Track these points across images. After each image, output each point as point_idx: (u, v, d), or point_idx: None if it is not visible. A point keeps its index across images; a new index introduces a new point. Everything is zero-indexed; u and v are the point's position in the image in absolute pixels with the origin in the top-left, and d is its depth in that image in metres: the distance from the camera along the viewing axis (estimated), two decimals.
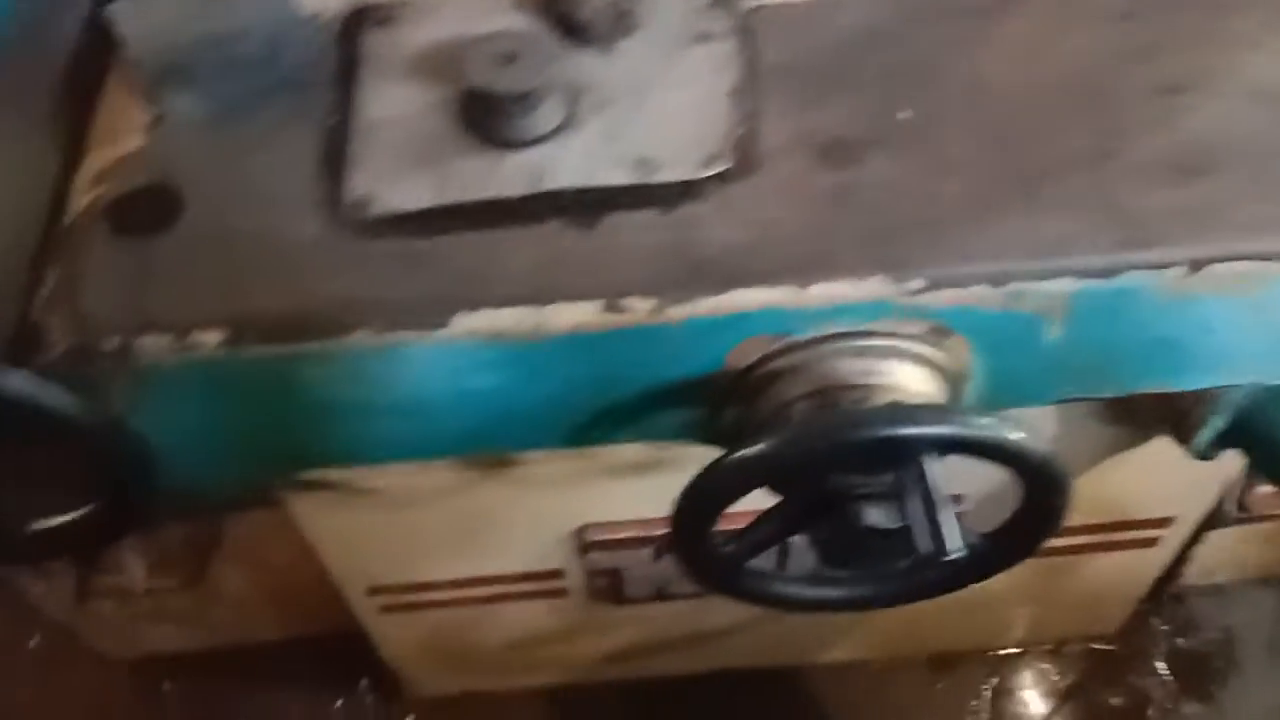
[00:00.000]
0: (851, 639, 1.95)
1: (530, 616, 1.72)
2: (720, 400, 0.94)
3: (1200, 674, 1.98)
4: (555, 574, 1.59)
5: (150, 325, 0.83)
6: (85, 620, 1.90)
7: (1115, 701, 1.96)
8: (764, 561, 0.95)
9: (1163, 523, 1.61)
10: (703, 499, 0.87)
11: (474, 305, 0.84)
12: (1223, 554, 1.75)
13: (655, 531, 1.50)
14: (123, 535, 0.84)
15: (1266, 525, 1.64)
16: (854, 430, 0.75)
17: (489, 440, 0.99)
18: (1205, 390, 1.12)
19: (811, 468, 0.84)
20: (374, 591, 1.60)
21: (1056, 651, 2.01)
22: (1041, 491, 0.84)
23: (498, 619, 1.72)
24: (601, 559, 1.51)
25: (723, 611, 1.76)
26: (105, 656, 2.02)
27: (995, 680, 1.99)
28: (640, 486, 1.39)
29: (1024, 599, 1.86)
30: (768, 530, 0.91)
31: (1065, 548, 1.66)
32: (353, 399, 0.89)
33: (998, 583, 1.79)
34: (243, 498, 1.20)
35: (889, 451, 0.78)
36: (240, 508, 1.42)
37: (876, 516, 0.84)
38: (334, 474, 1.30)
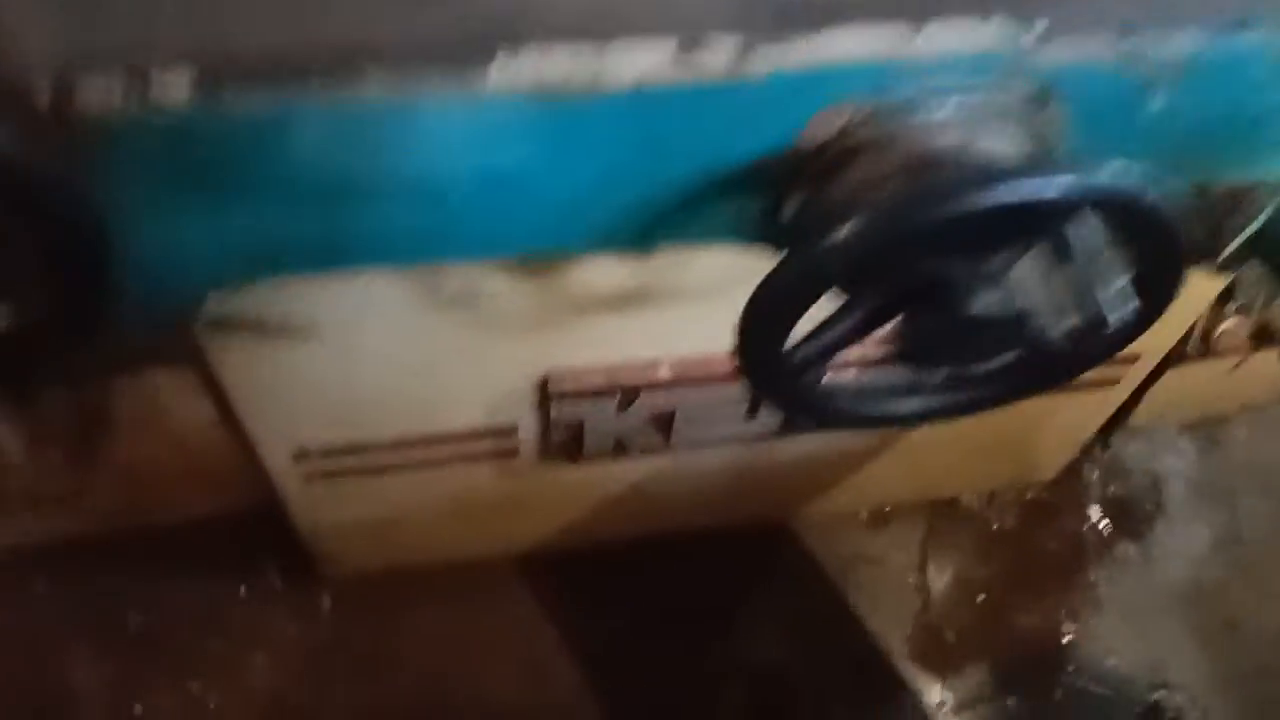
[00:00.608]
0: (795, 497, 1.89)
1: (473, 481, 1.57)
2: (786, 185, 0.80)
3: (1131, 517, 2.01)
4: (508, 431, 1.45)
5: (94, 63, 0.62)
6: None
7: (1051, 546, 1.97)
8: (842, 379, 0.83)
9: (1131, 359, 1.58)
10: (788, 294, 0.73)
11: (517, 41, 0.67)
12: (1173, 395, 1.74)
13: (624, 380, 1.38)
14: (60, 354, 0.65)
15: (1225, 362, 1.64)
16: (1014, 186, 0.63)
17: (506, 238, 0.83)
18: (1245, 193, 1.06)
19: (920, 245, 0.72)
20: (300, 456, 1.42)
21: (990, 501, 2.01)
22: (1164, 259, 0.75)
23: (436, 486, 1.56)
24: (565, 411, 1.37)
25: (673, 472, 1.66)
26: None
27: (932, 531, 1.97)
28: (613, 326, 1.25)
29: (964, 448, 1.82)
30: (844, 329, 0.78)
31: None
32: (354, 171, 0.71)
33: (940, 431, 1.75)
34: (184, 323, 0.99)
35: (1033, 216, 0.67)
36: (161, 355, 1.20)
37: (989, 301, 0.73)
38: (269, 306, 1.11)
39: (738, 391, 1.40)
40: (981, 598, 1.91)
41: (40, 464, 1.53)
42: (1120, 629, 1.89)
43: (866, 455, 1.77)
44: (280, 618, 1.82)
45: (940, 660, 1.84)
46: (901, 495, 1.95)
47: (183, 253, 0.72)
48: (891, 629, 1.87)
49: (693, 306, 1.24)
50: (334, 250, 0.79)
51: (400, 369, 1.27)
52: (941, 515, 1.98)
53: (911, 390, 0.85)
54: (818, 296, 0.74)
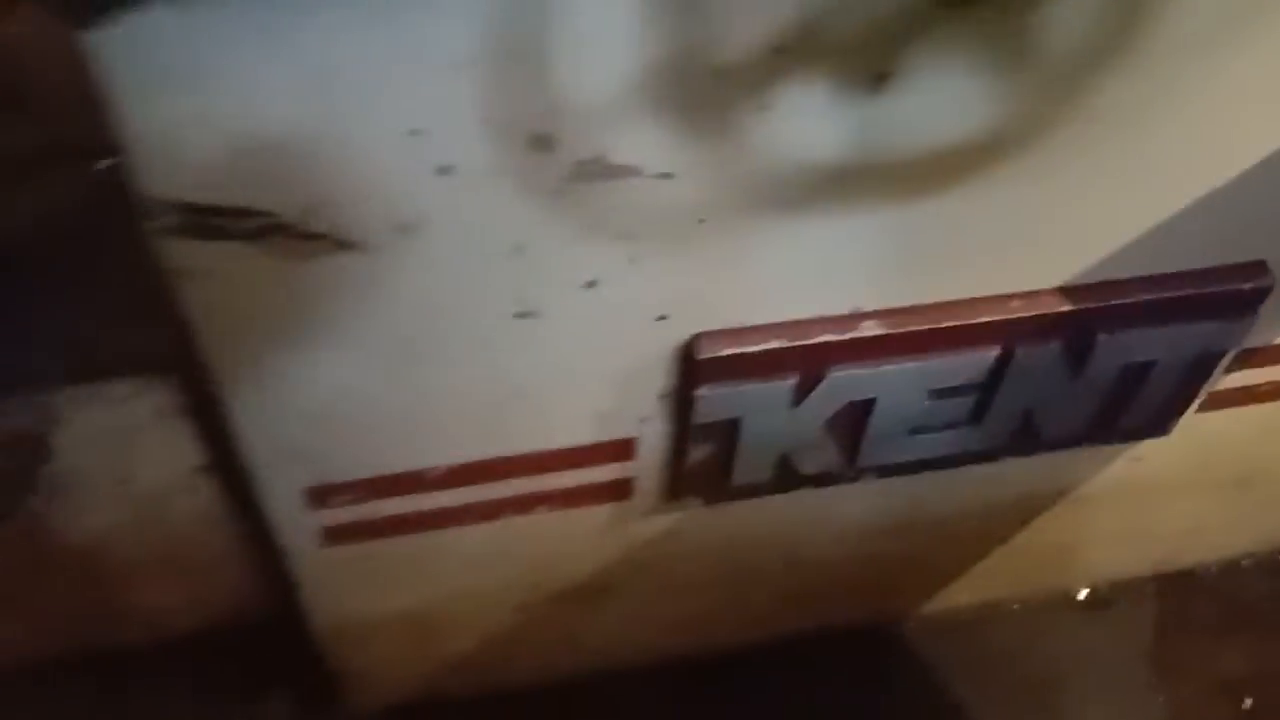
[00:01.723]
0: (989, 575, 1.39)
1: (558, 542, 1.09)
2: None
3: None
4: (622, 447, 0.98)
5: None
6: None
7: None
8: None
9: None
10: None
11: None
12: None
13: (808, 340, 0.91)
14: None
15: None
16: None
17: None
18: None
19: None
20: (317, 497, 0.95)
21: (1234, 570, 1.50)
22: None
23: (505, 550, 1.08)
24: (715, 401, 0.91)
25: (832, 525, 1.18)
26: None
27: (1165, 614, 1.46)
28: (800, 246, 0.81)
29: (1200, 495, 1.35)
30: None
31: None
32: None
33: (1169, 474, 1.28)
34: None
35: None
36: None
37: None
38: (287, 191, 0.68)
39: (977, 365, 0.94)
40: (1248, 704, 1.39)
41: None
42: None
43: (1082, 510, 1.29)
44: None
45: None
46: (1121, 569, 1.46)
47: None
48: None
49: (928, 205, 0.81)
50: None
51: (472, 329, 0.82)
52: (1175, 592, 1.48)
53: None
54: None
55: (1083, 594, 1.45)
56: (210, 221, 0.68)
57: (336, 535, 1.00)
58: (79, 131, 0.72)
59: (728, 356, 0.87)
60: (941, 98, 0.72)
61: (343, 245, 0.72)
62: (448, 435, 0.92)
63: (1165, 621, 1.44)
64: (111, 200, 0.73)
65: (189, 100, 0.61)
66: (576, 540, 1.10)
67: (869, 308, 0.89)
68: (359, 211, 0.70)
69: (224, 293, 0.73)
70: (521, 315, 0.81)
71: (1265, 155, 0.84)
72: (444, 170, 0.68)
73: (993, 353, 0.93)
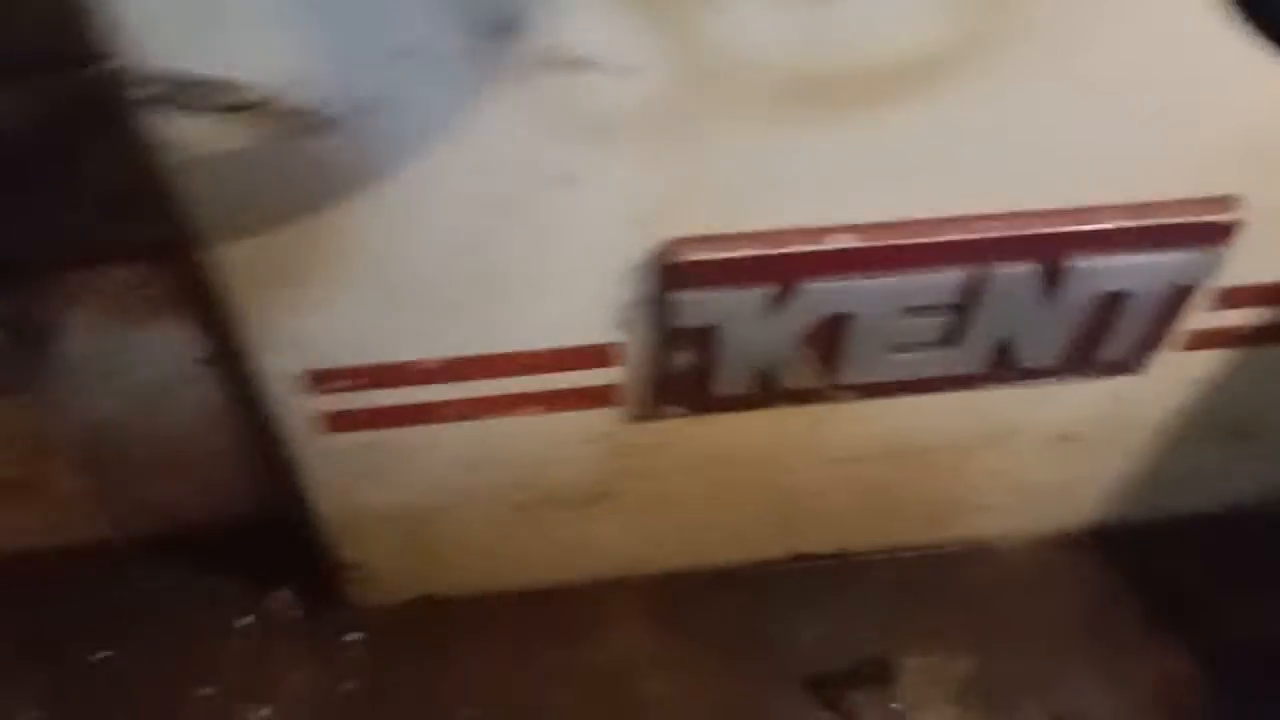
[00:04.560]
0: (977, 512, 1.41)
1: (549, 444, 1.14)
2: None
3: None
4: (602, 352, 1.02)
5: None
6: None
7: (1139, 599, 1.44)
8: None
9: None
10: None
11: None
12: None
13: (782, 250, 0.95)
14: None
15: None
16: None
17: None
18: None
19: None
20: (314, 382, 1.00)
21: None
22: None
23: (495, 449, 1.13)
24: (693, 307, 0.95)
25: (828, 433, 1.21)
26: None
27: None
28: (773, 152, 0.85)
29: (1202, 438, 1.35)
30: None
31: None
32: None
33: (1161, 417, 1.27)
34: None
35: None
36: None
37: None
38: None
39: (949, 284, 0.97)
40: None
41: None
42: None
43: (1072, 449, 1.31)
44: (294, 660, 1.37)
45: None
46: (1125, 512, 1.46)
47: None
48: None
49: (887, 122, 0.83)
50: None
51: (448, 217, 0.86)
52: (1186, 537, 1.48)
53: None
54: None
55: (1082, 536, 1.46)
56: (193, 94, 0.72)
57: (334, 423, 1.05)
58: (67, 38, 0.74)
59: (705, 262, 0.91)
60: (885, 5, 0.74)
61: (313, 125, 0.76)
62: (430, 328, 0.96)
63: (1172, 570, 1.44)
64: (105, 98, 0.76)
65: None
66: (567, 445, 1.14)
67: (841, 221, 0.92)
68: (324, 91, 0.74)
69: (214, 174, 0.78)
70: (496, 208, 0.85)
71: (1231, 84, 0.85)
72: (402, 53, 0.72)
73: (964, 272, 0.96)
